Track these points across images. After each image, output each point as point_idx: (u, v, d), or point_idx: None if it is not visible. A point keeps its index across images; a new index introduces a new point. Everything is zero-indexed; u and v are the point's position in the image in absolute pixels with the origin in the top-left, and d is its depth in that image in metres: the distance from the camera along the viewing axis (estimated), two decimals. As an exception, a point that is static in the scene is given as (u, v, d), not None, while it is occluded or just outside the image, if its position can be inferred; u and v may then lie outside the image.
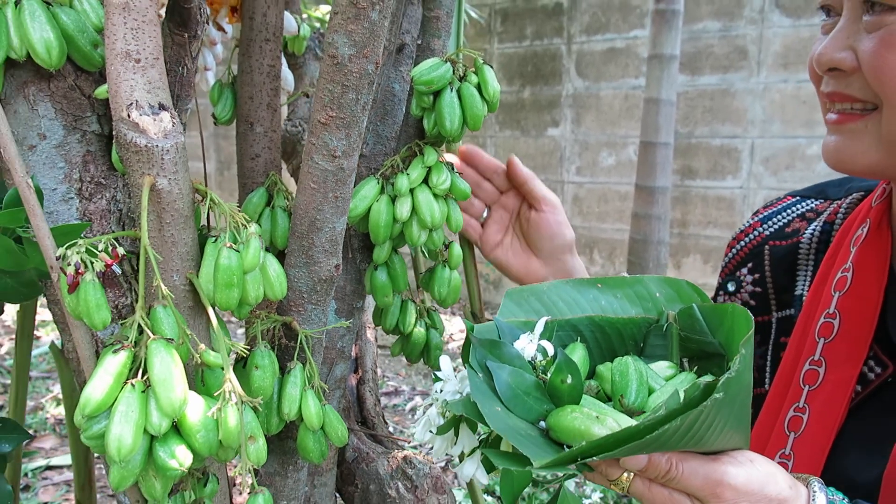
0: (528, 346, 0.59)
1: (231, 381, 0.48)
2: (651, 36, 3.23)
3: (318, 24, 1.20)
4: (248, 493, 0.50)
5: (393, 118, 0.80)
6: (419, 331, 0.86)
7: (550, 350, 0.60)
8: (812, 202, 0.87)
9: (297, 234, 0.62)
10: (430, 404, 0.63)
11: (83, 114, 0.60)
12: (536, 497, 2.30)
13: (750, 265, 0.87)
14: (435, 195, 0.73)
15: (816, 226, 0.84)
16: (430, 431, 0.63)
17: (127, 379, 0.48)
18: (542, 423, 0.56)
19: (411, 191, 0.72)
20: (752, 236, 0.89)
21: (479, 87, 0.73)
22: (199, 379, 0.51)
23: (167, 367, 0.47)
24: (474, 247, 0.91)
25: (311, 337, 0.64)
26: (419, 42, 0.78)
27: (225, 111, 0.84)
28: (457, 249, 0.81)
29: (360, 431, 0.90)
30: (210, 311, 0.52)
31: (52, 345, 0.94)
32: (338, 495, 0.90)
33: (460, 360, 0.62)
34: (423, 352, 0.89)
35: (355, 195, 0.71)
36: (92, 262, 0.47)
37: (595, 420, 0.53)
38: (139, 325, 0.49)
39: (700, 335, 0.64)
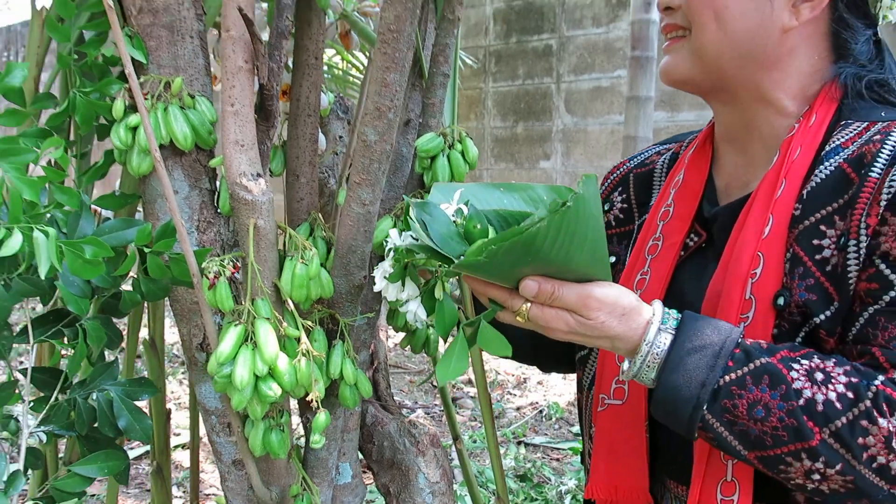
0: (449, 207, 0.81)
1: (305, 343, 0.79)
2: (629, 79, 3.58)
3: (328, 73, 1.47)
4: (316, 410, 0.81)
5: (402, 173, 1.11)
6: (422, 328, 1.17)
7: (465, 210, 0.80)
8: (667, 145, 1.14)
9: (339, 255, 0.94)
10: (387, 255, 0.83)
11: (200, 176, 0.92)
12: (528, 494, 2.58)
13: (619, 189, 1.12)
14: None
15: (666, 155, 1.10)
16: (384, 279, 0.84)
17: (242, 342, 0.79)
18: (462, 258, 0.76)
19: (405, 214, 1.03)
20: (621, 170, 1.15)
21: (462, 153, 1.05)
22: (282, 344, 0.82)
23: (266, 335, 0.78)
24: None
25: (347, 324, 0.95)
26: (420, 120, 1.10)
27: (278, 166, 1.15)
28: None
29: (376, 403, 1.21)
30: (289, 303, 0.83)
31: (145, 340, 1.24)
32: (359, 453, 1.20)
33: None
34: (425, 345, 1.20)
35: (376, 228, 1.02)
36: (224, 270, 0.79)
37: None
38: (248, 310, 0.80)
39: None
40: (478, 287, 0.81)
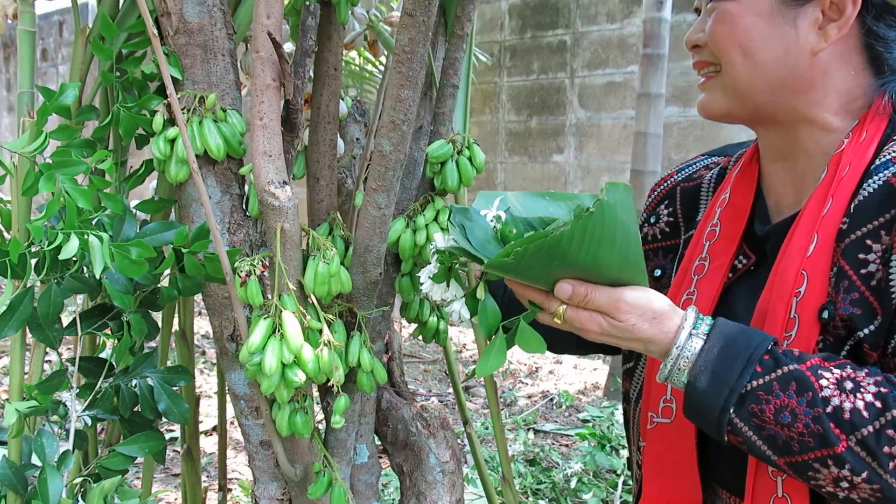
0: (488, 213, 0.87)
1: (327, 334, 0.88)
2: (640, 76, 3.64)
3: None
4: (335, 395, 0.89)
5: (414, 176, 1.19)
6: (432, 319, 1.26)
7: (503, 216, 0.85)
8: (716, 158, 1.14)
9: (357, 254, 1.03)
10: (432, 257, 0.89)
11: (231, 183, 1.01)
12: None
13: (666, 202, 1.13)
14: (442, 229, 1.12)
15: (714, 171, 1.10)
16: (429, 279, 0.90)
17: (271, 333, 0.88)
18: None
19: (426, 226, 1.12)
20: (668, 182, 1.15)
21: (470, 159, 1.13)
22: (306, 335, 0.91)
23: (292, 327, 0.87)
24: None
25: (364, 316, 1.04)
26: (431, 127, 1.18)
27: (300, 170, 1.24)
28: (457, 267, 1.21)
29: (391, 390, 1.30)
30: (312, 297, 0.92)
31: (176, 332, 1.34)
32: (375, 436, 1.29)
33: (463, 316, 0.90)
34: (435, 335, 1.28)
35: (390, 229, 1.10)
36: (254, 269, 0.88)
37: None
38: (275, 305, 0.89)
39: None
40: (518, 289, 0.86)
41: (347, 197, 1.45)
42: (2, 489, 0.99)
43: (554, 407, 3.59)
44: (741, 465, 0.89)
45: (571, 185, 5.08)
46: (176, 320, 1.36)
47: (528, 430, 3.29)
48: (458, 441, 1.34)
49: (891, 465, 0.76)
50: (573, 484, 2.46)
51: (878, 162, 0.88)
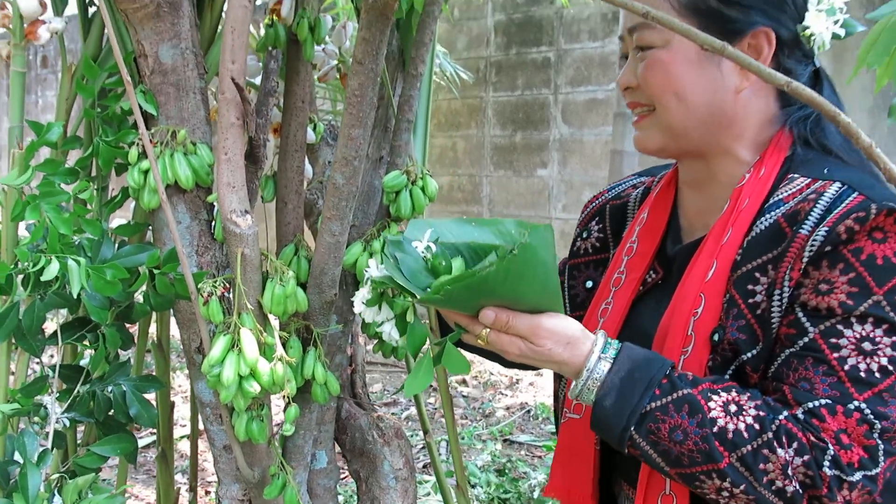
0: (419, 245, 0.93)
1: (280, 350, 0.99)
2: (617, 95, 3.75)
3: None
4: (286, 405, 1.00)
5: (374, 202, 1.29)
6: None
7: (434, 248, 0.91)
8: (643, 178, 1.23)
9: (314, 276, 1.13)
10: (365, 283, 0.97)
11: (199, 210, 1.12)
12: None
13: (596, 219, 1.23)
14: (372, 254, 1.22)
15: (640, 190, 1.20)
16: (363, 303, 0.97)
17: (230, 348, 0.98)
18: (428, 289, 0.87)
19: (382, 249, 1.22)
20: (599, 200, 1.25)
21: (422, 188, 1.24)
22: (262, 350, 1.01)
23: (249, 343, 0.97)
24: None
25: (320, 333, 1.14)
26: (389, 159, 1.28)
27: (269, 194, 1.34)
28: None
29: (351, 400, 1.40)
30: (270, 316, 1.03)
31: (153, 341, 1.44)
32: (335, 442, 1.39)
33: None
34: (393, 350, 1.39)
35: (348, 251, 1.20)
36: (215, 290, 0.98)
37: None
38: (235, 323, 0.99)
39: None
40: (445, 313, 0.95)
41: (317, 218, 1.55)
42: (-15, 485, 1.09)
43: (531, 419, 3.69)
44: (639, 462, 0.99)
45: (555, 198, 5.19)
46: (154, 330, 1.46)
47: (504, 440, 3.39)
48: (415, 450, 1.44)
49: (764, 479, 0.86)
50: (536, 493, 2.56)
51: (771, 201, 0.97)
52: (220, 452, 1.20)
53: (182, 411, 3.47)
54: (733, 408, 0.88)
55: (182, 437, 3.26)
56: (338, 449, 1.38)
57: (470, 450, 3.14)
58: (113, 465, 2.79)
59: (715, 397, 0.89)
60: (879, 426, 0.86)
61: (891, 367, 0.87)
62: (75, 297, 1.00)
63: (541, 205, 5.26)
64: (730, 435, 0.87)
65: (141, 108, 1.08)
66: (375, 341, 1.40)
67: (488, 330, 0.91)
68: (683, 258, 1.05)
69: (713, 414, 0.88)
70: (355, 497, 2.45)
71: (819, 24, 0.97)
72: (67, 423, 1.15)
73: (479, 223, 0.99)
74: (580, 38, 4.93)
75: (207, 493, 2.70)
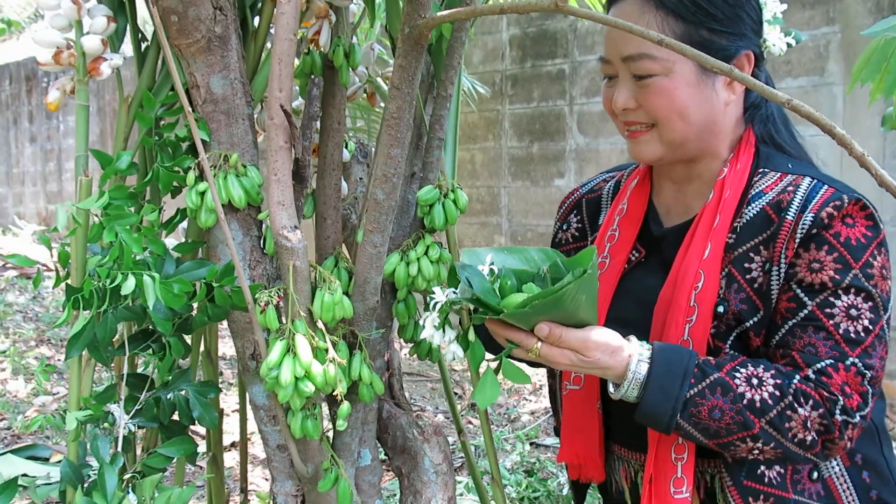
0: (484, 268, 1.05)
1: (332, 353, 1.07)
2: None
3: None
4: (339, 404, 1.08)
5: (408, 216, 1.38)
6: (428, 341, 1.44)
7: (496, 271, 1.04)
8: (612, 173, 1.40)
9: (357, 285, 1.22)
10: (432, 309, 1.08)
11: (251, 227, 1.21)
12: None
13: (574, 212, 1.39)
14: (431, 261, 1.31)
15: (611, 183, 1.36)
16: (434, 327, 1.08)
17: (286, 352, 1.07)
18: (499, 304, 1.00)
19: (418, 259, 1.31)
20: (575, 195, 1.41)
21: (454, 201, 1.32)
22: (315, 354, 1.10)
23: (303, 347, 1.06)
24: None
25: (364, 338, 1.23)
26: (421, 175, 1.37)
27: (309, 210, 1.43)
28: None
29: (391, 401, 1.49)
30: (319, 323, 1.11)
31: (203, 352, 1.53)
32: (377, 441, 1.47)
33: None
34: (429, 353, 1.47)
35: (387, 262, 1.29)
36: (272, 299, 1.07)
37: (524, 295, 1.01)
38: (289, 329, 1.08)
39: (561, 275, 1.05)
40: (498, 331, 1.06)
41: (351, 231, 1.64)
42: (62, 485, 1.19)
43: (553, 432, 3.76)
44: (639, 427, 1.12)
45: (573, 207, 5.26)
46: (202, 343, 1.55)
47: (531, 444, 3.46)
48: (452, 447, 1.52)
49: (789, 434, 1.04)
50: (565, 490, 2.63)
51: (753, 192, 1.14)
52: (274, 451, 1.29)
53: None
54: (755, 381, 1.05)
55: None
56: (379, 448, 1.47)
57: (499, 452, 3.21)
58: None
59: (737, 374, 1.05)
60: (868, 375, 1.06)
61: (870, 327, 1.07)
62: (143, 308, 1.09)
63: (512, 246, 5.35)
64: (758, 404, 1.04)
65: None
66: (411, 346, 1.49)
67: (540, 344, 1.03)
68: (673, 239, 1.21)
69: (741, 389, 1.04)
70: (393, 497, 2.53)
71: (774, 37, 1.17)
72: (133, 429, 1.24)
73: (508, 251, 1.13)
74: (594, 50, 5.01)
75: (248, 501, 2.79)
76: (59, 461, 1.17)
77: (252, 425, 1.55)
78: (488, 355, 1.12)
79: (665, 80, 1.10)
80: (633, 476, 1.25)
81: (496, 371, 1.06)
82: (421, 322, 1.12)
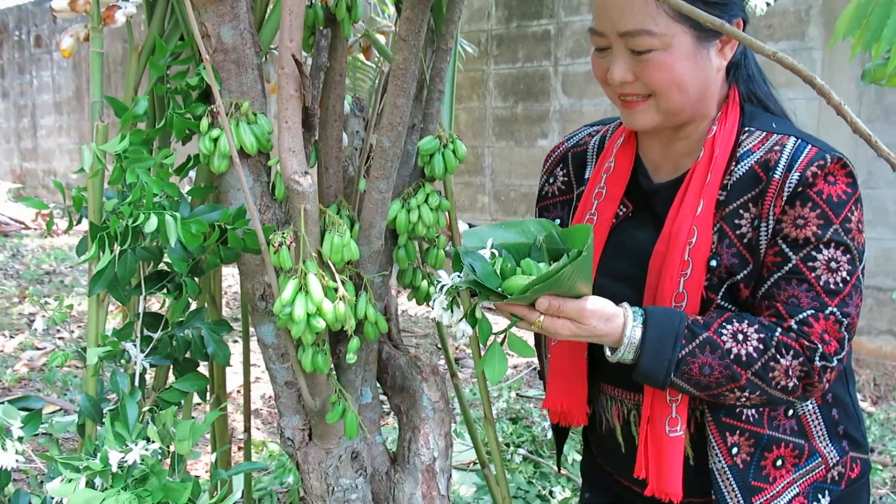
0: (485, 252, 1.11)
1: (342, 290, 1.14)
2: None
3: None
4: (350, 338, 1.15)
5: (408, 165, 1.44)
6: (423, 284, 1.51)
7: (497, 255, 1.11)
8: (596, 127, 1.44)
9: (363, 229, 1.28)
10: (439, 292, 1.16)
11: (261, 173, 1.26)
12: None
13: (560, 165, 1.44)
14: (431, 209, 1.37)
15: (596, 138, 1.40)
16: (442, 308, 1.16)
17: (298, 290, 1.13)
18: (499, 288, 1.07)
19: (418, 206, 1.37)
20: (561, 149, 1.45)
21: (454, 151, 1.38)
22: (325, 292, 1.16)
23: (315, 285, 1.12)
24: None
25: (369, 279, 1.29)
26: (422, 125, 1.43)
27: (312, 160, 1.48)
28: (443, 239, 1.46)
29: (389, 343, 1.56)
30: (330, 263, 1.17)
31: (209, 295, 1.59)
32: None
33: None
34: (427, 297, 1.54)
35: (389, 209, 1.35)
36: (285, 240, 1.13)
37: (525, 279, 1.08)
38: (300, 269, 1.14)
39: (557, 245, 1.12)
40: (504, 307, 1.12)
41: (349, 182, 1.69)
42: (81, 418, 1.25)
43: (537, 377, 3.87)
44: (622, 368, 1.19)
45: (556, 168, 5.33)
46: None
47: (516, 395, 3.56)
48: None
49: (773, 382, 1.13)
50: (549, 435, 2.73)
51: (741, 151, 1.20)
52: (282, 388, 1.36)
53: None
54: (740, 336, 1.13)
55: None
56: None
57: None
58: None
59: (724, 332, 1.13)
60: (845, 322, 1.14)
61: (848, 277, 1.14)
62: (160, 249, 1.15)
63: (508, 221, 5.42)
64: (744, 358, 1.12)
65: (206, 82, 1.22)
66: (409, 291, 1.56)
67: (542, 317, 1.08)
68: (665, 195, 1.26)
69: (728, 346, 1.13)
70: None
71: None
72: (147, 366, 1.30)
73: (506, 226, 1.18)
74: (580, 11, 5.04)
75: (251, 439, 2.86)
76: (53, 412, 1.22)
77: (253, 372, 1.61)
78: (494, 328, 1.18)
79: (664, 54, 1.13)
80: (625, 415, 1.32)
81: (501, 343, 1.12)
82: (430, 304, 1.19)
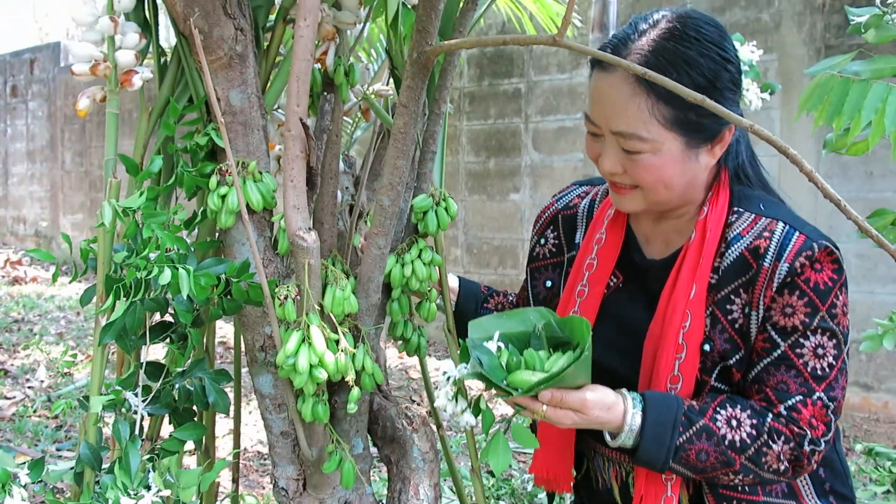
0: (491, 345, 1.17)
1: (344, 343, 1.19)
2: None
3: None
4: (351, 388, 1.20)
5: (402, 222, 1.51)
6: (414, 337, 1.57)
7: (503, 348, 1.16)
8: (585, 188, 1.47)
9: (361, 283, 1.34)
10: (446, 382, 1.20)
11: (265, 228, 1.32)
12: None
13: (551, 227, 1.47)
14: (424, 263, 1.44)
15: (586, 201, 1.44)
16: (447, 398, 1.20)
17: (302, 342, 1.18)
18: (504, 382, 1.12)
19: (412, 262, 1.43)
20: (551, 210, 1.49)
21: (445, 209, 1.45)
22: (327, 344, 1.21)
23: (318, 337, 1.18)
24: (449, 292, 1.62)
25: (367, 332, 1.34)
26: (415, 184, 1.50)
27: (308, 216, 1.54)
28: (434, 293, 1.52)
29: (380, 394, 1.60)
30: (331, 316, 1.23)
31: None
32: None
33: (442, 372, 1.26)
34: (417, 349, 1.59)
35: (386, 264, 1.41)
36: (290, 293, 1.18)
37: (532, 374, 1.14)
38: (304, 321, 1.19)
39: (555, 333, 1.18)
40: (508, 401, 1.16)
41: (339, 236, 1.75)
42: (79, 466, 1.27)
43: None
44: None
45: (527, 221, 5.44)
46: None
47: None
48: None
49: (765, 466, 1.19)
50: (529, 487, 2.76)
51: (731, 234, 1.24)
52: (277, 438, 1.40)
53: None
54: (734, 422, 1.19)
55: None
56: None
57: (459, 456, 3.33)
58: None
59: (719, 418, 1.19)
60: (832, 406, 1.20)
61: (833, 362, 1.20)
62: (166, 300, 1.19)
63: (513, 227, 5.51)
64: (738, 444, 1.18)
65: (215, 143, 1.28)
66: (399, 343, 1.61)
67: (546, 407, 1.13)
68: (658, 273, 1.31)
69: (722, 432, 1.18)
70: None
71: (752, 94, 1.35)
72: (146, 415, 1.33)
73: (507, 316, 1.24)
74: (549, 71, 5.21)
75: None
76: (24, 463, 1.21)
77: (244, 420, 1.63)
78: (497, 418, 1.23)
79: (653, 157, 1.18)
80: (624, 476, 1.35)
81: (505, 433, 1.16)
82: (435, 394, 1.25)
